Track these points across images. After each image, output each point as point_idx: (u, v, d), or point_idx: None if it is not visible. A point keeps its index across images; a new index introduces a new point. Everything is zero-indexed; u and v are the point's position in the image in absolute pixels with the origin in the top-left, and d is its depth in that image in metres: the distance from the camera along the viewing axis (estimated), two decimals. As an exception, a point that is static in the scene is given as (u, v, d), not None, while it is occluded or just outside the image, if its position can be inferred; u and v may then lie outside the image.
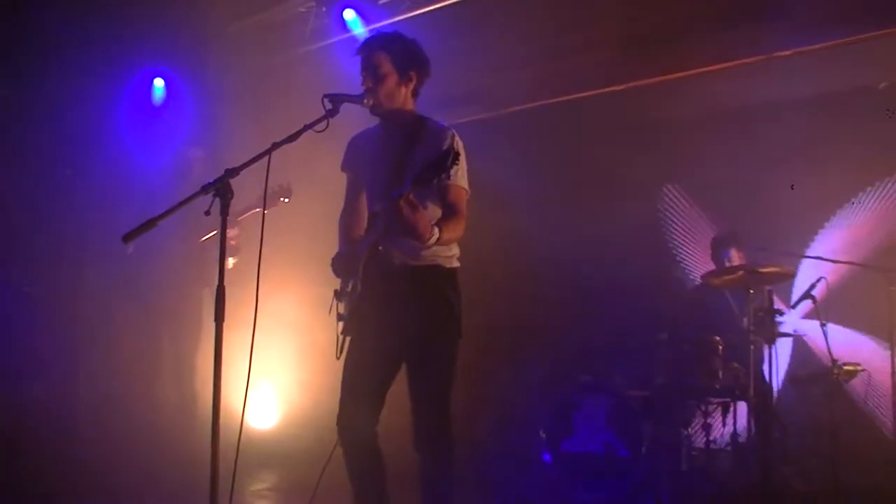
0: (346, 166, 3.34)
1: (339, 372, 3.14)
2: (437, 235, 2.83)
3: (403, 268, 3.05)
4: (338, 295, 3.11)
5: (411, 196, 2.66)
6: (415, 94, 3.21)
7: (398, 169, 3.04)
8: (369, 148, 3.25)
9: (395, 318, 3.03)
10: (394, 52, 3.12)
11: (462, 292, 3.16)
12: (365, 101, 3.05)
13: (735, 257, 5.66)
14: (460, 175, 3.04)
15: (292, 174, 4.79)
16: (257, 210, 4.84)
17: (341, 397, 3.11)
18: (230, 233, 4.90)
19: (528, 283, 6.30)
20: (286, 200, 4.82)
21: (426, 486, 3.05)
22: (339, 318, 3.09)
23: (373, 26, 6.20)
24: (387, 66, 3.09)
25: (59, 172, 6.15)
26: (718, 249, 5.79)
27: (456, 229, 2.99)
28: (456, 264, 3.16)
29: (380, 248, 2.98)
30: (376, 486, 3.12)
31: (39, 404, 5.82)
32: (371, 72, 3.10)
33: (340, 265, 3.13)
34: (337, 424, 3.09)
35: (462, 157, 3.00)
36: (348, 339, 3.10)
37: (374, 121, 3.27)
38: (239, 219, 4.95)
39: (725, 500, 4.61)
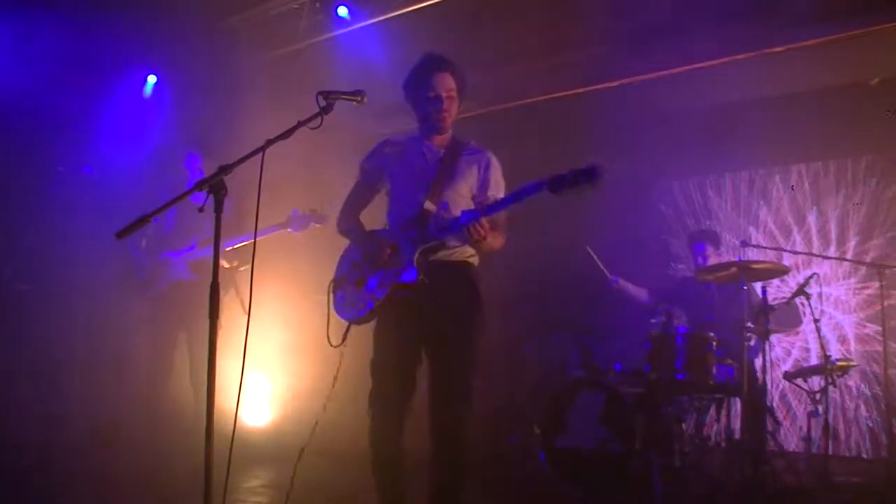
0: (372, 164, 3.47)
1: (334, 367, 3.16)
2: (489, 238, 3.07)
3: (442, 264, 3.21)
4: (340, 283, 3.30)
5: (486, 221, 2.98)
6: None
7: (441, 182, 3.24)
8: (409, 156, 3.39)
9: (429, 310, 3.16)
10: (459, 79, 3.33)
11: None
12: (359, 99, 3.06)
13: (711, 254, 5.69)
14: (503, 192, 3.33)
15: (286, 169, 4.77)
16: (282, 231, 4.84)
17: (374, 398, 3.22)
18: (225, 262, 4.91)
19: (521, 279, 6.31)
20: (318, 226, 4.84)
21: (439, 473, 3.11)
22: (355, 305, 3.23)
23: (366, 23, 6.19)
24: (455, 90, 3.33)
25: (53, 169, 6.13)
26: (694, 246, 5.82)
27: (499, 241, 3.26)
28: (476, 261, 3.36)
29: (445, 244, 3.17)
30: (397, 479, 3.21)
31: (33, 401, 5.82)
32: (447, 94, 3.30)
33: (371, 248, 3.27)
34: (370, 425, 3.21)
35: (500, 174, 3.37)
36: (350, 327, 3.24)
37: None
38: (262, 237, 4.81)
39: (719, 496, 4.62)
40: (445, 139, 3.39)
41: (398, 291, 3.15)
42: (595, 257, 5.75)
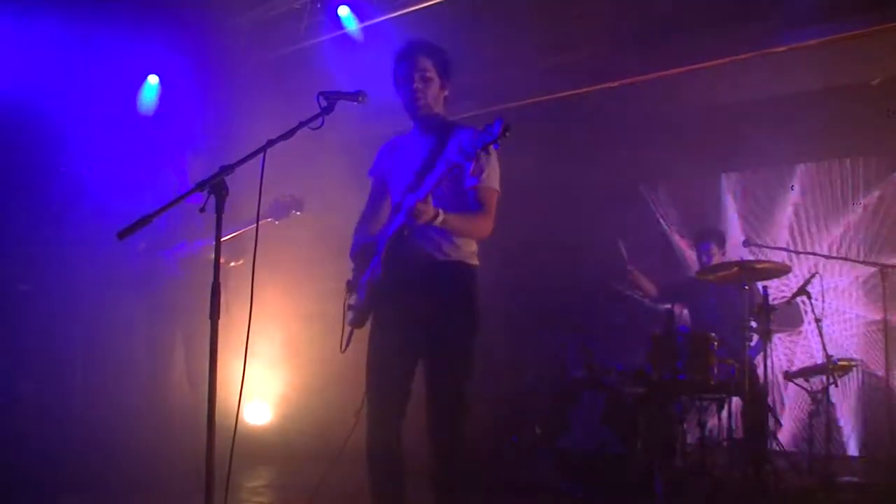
0: (374, 171, 3.43)
1: (336, 367, 3.16)
2: (441, 217, 2.91)
3: (429, 263, 3.12)
4: (350, 286, 3.20)
5: (429, 199, 2.84)
6: (446, 101, 3.32)
7: (425, 167, 3.10)
8: (400, 150, 3.33)
9: (417, 311, 3.09)
10: (436, 59, 3.24)
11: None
12: (360, 99, 3.04)
13: (716, 253, 5.70)
14: (491, 177, 3.16)
15: (287, 172, 4.77)
16: (268, 220, 4.79)
17: (368, 399, 3.15)
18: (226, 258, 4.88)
19: (521, 279, 6.31)
20: (298, 213, 4.79)
21: (438, 476, 3.08)
22: (350, 308, 3.17)
23: (367, 23, 6.19)
24: (432, 71, 3.21)
25: (54, 169, 6.13)
26: (699, 245, 5.83)
27: (475, 224, 3.11)
28: (476, 262, 3.24)
29: (405, 232, 3.01)
30: (396, 486, 3.17)
31: (33, 401, 5.82)
32: (419, 74, 3.19)
33: (361, 253, 3.21)
34: (367, 432, 3.13)
35: (494, 159, 3.15)
36: (353, 332, 3.18)
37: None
38: (247, 228, 4.74)
39: (720, 496, 4.62)
40: (435, 126, 3.26)
41: (377, 289, 3.11)
42: (622, 248, 5.72)
